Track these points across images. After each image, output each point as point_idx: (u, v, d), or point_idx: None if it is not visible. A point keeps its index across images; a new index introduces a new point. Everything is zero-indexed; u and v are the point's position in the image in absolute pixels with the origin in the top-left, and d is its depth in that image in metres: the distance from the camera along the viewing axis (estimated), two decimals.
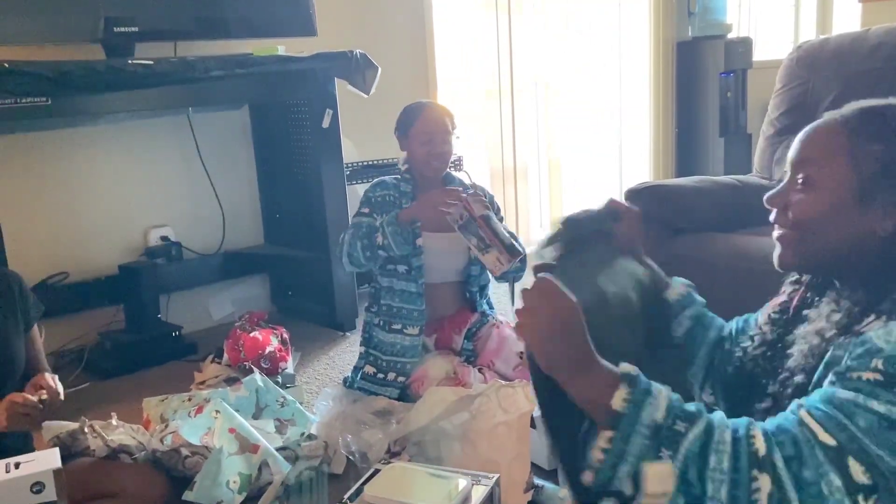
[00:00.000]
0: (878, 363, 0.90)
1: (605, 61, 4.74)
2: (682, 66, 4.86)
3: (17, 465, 1.49)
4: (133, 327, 2.88)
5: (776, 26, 5.55)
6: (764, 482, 0.87)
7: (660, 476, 0.89)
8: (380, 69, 2.93)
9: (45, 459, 1.52)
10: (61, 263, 2.82)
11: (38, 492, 1.47)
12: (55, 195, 2.86)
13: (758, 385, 1.14)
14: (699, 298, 1.34)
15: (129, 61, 2.46)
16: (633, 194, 2.29)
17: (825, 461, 0.87)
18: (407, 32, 3.73)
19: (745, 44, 4.76)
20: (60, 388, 1.76)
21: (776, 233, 1.10)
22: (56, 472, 1.48)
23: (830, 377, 0.94)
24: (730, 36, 4.78)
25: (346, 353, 2.88)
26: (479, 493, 1.54)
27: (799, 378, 1.03)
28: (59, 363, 2.74)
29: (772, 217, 1.11)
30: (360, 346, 2.46)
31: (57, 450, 1.57)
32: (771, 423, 0.93)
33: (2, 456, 1.50)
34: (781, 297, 1.20)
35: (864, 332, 0.95)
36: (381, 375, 2.35)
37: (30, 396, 1.67)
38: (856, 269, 1.03)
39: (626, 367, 0.95)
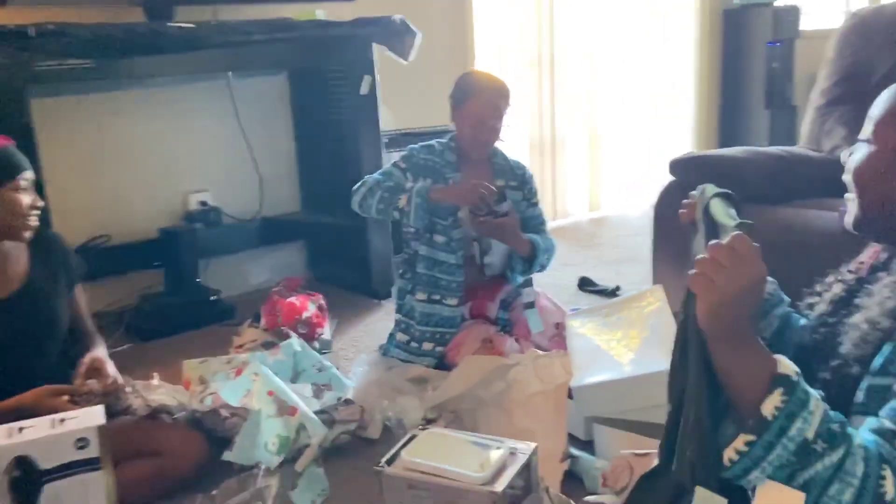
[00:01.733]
0: None
1: (650, 30, 4.63)
2: (729, 34, 4.73)
3: (62, 421, 1.52)
4: (172, 291, 2.91)
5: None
6: None
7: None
8: (420, 35, 2.89)
9: (90, 416, 1.55)
10: (103, 226, 2.85)
11: (82, 448, 1.50)
12: (97, 159, 2.89)
13: (819, 359, 1.10)
14: (785, 297, 1.28)
15: (169, 24, 2.46)
16: (677, 164, 2.24)
17: None
18: None
19: (793, 12, 4.61)
20: (117, 374, 1.81)
21: (847, 193, 1.10)
22: (100, 429, 1.51)
23: None
24: (777, 3, 4.64)
25: (382, 320, 2.89)
26: (516, 462, 1.53)
27: (855, 370, 1.00)
28: (99, 324, 2.73)
29: (845, 176, 1.09)
30: (396, 312, 2.47)
31: (101, 407, 1.60)
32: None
33: None
34: (860, 257, 1.17)
35: None
36: (415, 345, 2.35)
37: (62, 402, 1.68)
38: None
39: (786, 366, 0.88)
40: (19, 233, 1.74)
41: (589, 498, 1.66)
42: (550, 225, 4.24)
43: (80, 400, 1.70)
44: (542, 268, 2.41)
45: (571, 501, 1.61)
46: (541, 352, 2.00)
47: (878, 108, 1.05)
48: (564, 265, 3.52)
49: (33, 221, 1.76)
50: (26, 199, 1.73)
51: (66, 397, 1.69)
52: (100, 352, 1.87)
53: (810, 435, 0.84)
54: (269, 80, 3.28)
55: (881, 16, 2.40)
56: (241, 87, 3.14)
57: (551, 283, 3.21)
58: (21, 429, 1.49)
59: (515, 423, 1.86)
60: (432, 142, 2.42)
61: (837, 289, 1.14)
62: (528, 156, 4.14)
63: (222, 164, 3.19)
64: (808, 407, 0.85)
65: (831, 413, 0.88)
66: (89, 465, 1.50)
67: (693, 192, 1.18)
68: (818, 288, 1.19)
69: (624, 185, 4.63)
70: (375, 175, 2.36)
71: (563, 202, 4.38)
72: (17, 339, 1.77)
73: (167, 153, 3.05)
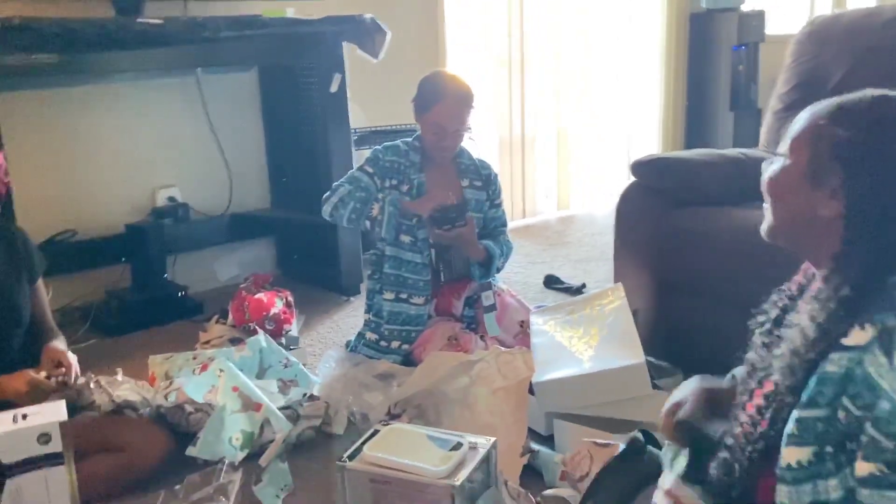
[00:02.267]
0: None
1: (618, 32, 4.69)
2: (695, 38, 4.81)
3: (24, 417, 1.53)
4: (139, 286, 2.91)
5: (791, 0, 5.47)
6: None
7: None
8: (389, 34, 2.91)
9: (52, 411, 1.56)
10: (69, 221, 2.84)
11: (45, 442, 1.51)
12: (64, 153, 2.88)
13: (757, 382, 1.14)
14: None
15: (138, 20, 2.46)
16: (638, 166, 2.28)
17: None
18: None
19: (759, 17, 4.71)
20: (76, 367, 1.82)
21: (764, 203, 1.14)
22: (62, 425, 1.52)
23: (880, 467, 0.89)
24: (743, 8, 4.73)
25: (350, 317, 2.91)
26: (475, 456, 1.56)
27: (788, 398, 1.03)
28: (65, 320, 2.76)
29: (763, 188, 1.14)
30: (364, 313, 2.49)
31: (63, 402, 1.61)
32: None
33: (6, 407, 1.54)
34: (791, 283, 1.21)
35: (851, 346, 0.94)
36: (383, 343, 2.38)
37: (45, 380, 1.72)
38: (819, 252, 1.04)
39: None
40: None
41: (547, 492, 1.70)
42: (520, 223, 4.33)
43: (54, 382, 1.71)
44: (498, 270, 2.46)
45: (530, 495, 1.65)
46: (504, 348, 2.04)
47: (796, 125, 1.08)
48: (532, 263, 3.57)
49: None
50: None
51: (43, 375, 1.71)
52: (59, 344, 1.87)
53: None
54: (239, 77, 3.28)
55: (837, 24, 2.47)
56: (211, 84, 3.14)
57: (518, 281, 3.26)
58: None
59: (478, 419, 1.90)
60: (397, 142, 2.45)
61: (773, 313, 1.18)
62: (497, 154, 4.17)
63: (191, 160, 3.19)
64: None
65: None
66: (52, 459, 1.51)
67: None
68: (764, 307, 1.23)
69: (592, 184, 4.69)
70: (344, 182, 2.38)
71: (532, 201, 4.43)
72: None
73: (135, 149, 3.04)
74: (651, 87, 4.82)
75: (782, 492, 0.98)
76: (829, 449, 0.94)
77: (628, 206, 2.31)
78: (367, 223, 2.31)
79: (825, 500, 0.94)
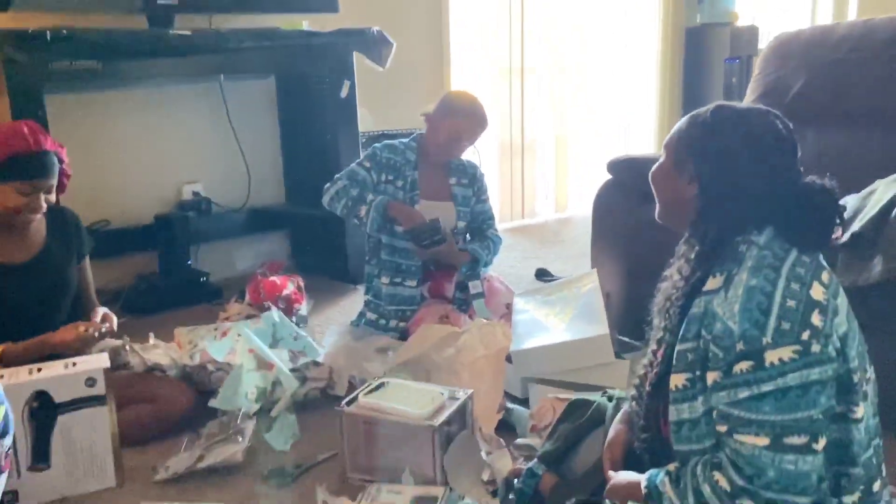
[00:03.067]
0: (740, 347, 1.11)
1: (616, 43, 4.96)
2: (690, 50, 5.07)
3: (73, 364, 1.83)
4: (166, 272, 3.21)
5: (793, 16, 5.69)
6: (747, 503, 1.10)
7: None
8: (395, 45, 3.20)
9: (97, 360, 1.85)
10: (104, 212, 3.14)
11: (91, 386, 1.80)
12: (101, 151, 3.19)
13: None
14: None
15: (170, 31, 2.75)
16: (613, 165, 2.56)
17: (773, 454, 1.09)
18: (424, 10, 3.99)
19: (751, 31, 4.96)
20: (115, 321, 2.11)
21: None
22: (106, 371, 1.81)
23: (718, 375, 1.14)
24: (738, 23, 4.98)
25: (356, 303, 3.17)
26: (454, 404, 1.83)
27: (669, 338, 1.28)
28: (99, 300, 3.05)
29: None
30: (364, 294, 2.77)
31: (106, 354, 1.90)
32: (719, 459, 1.15)
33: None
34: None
35: (708, 290, 1.19)
36: (382, 321, 2.65)
37: (88, 331, 2.00)
38: (685, 223, 1.29)
39: (643, 488, 1.25)
40: (12, 220, 1.99)
41: (518, 440, 1.96)
42: (518, 223, 4.60)
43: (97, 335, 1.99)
44: (487, 265, 2.71)
45: (501, 440, 1.91)
46: (486, 321, 2.31)
47: (674, 128, 1.32)
48: (526, 258, 3.84)
49: (22, 218, 1.99)
50: (16, 201, 1.95)
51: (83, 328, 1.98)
52: (108, 311, 2.16)
53: (676, 502, 1.18)
54: (258, 84, 3.58)
55: (797, 40, 2.73)
56: (233, 90, 3.44)
57: (512, 274, 3.52)
58: (39, 369, 1.79)
59: (462, 383, 2.16)
60: (395, 141, 2.73)
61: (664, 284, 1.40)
62: (497, 158, 4.45)
63: (214, 159, 3.49)
64: (662, 497, 1.20)
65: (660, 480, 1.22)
66: (96, 401, 1.81)
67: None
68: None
69: (589, 188, 4.94)
70: (343, 177, 2.65)
71: (531, 203, 4.70)
72: (34, 301, 2.05)
73: (164, 147, 3.35)
74: (647, 97, 5.08)
75: (671, 411, 1.24)
76: (697, 373, 1.19)
77: (604, 201, 2.57)
78: (356, 221, 2.61)
79: (696, 416, 1.20)
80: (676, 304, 1.26)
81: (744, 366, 1.12)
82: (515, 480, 1.68)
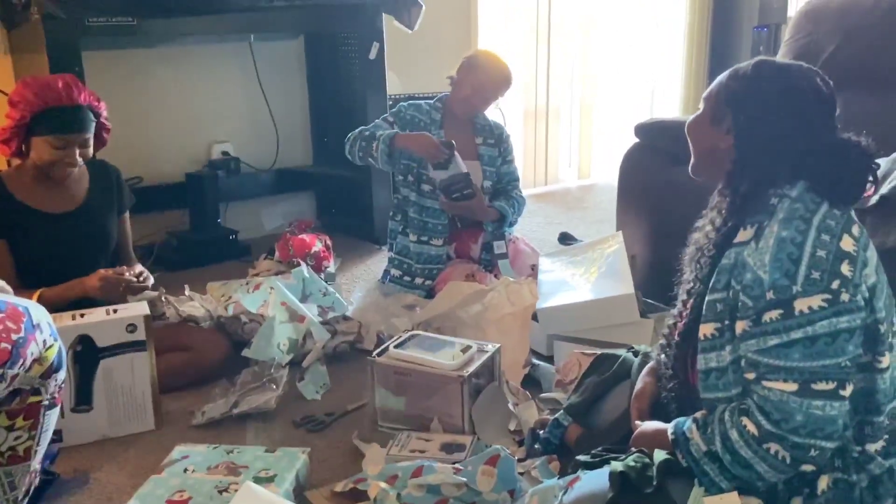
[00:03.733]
0: (770, 296, 1.14)
1: (644, 10, 4.92)
2: (718, 18, 5.02)
3: (115, 311, 1.89)
4: (196, 229, 3.27)
5: None
6: (775, 446, 1.14)
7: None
8: (424, 7, 3.20)
9: (137, 308, 1.91)
10: (136, 169, 3.19)
11: (132, 332, 1.86)
12: (134, 108, 3.24)
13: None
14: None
15: None
16: (640, 128, 2.57)
17: (801, 399, 1.12)
18: None
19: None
20: (151, 280, 2.15)
21: None
22: (146, 318, 1.87)
23: (747, 324, 1.17)
24: None
25: (381, 262, 3.22)
26: (482, 356, 1.88)
27: (698, 287, 1.31)
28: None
29: None
30: (388, 251, 2.81)
31: (145, 303, 1.96)
32: (746, 405, 1.18)
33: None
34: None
35: (739, 242, 1.22)
36: (408, 279, 2.70)
37: (114, 275, 2.04)
38: (719, 175, 1.31)
39: (669, 431, 1.28)
40: (49, 172, 2.04)
41: (543, 394, 2.01)
42: (541, 189, 4.61)
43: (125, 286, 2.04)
44: (512, 225, 2.74)
45: (528, 393, 1.96)
46: (513, 279, 2.35)
47: (715, 80, 1.34)
48: (549, 224, 3.86)
49: (57, 171, 2.04)
50: (51, 154, 1.99)
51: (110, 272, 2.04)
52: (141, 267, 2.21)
53: (704, 448, 1.21)
54: (287, 44, 3.61)
55: (830, 4, 2.70)
56: (262, 50, 3.47)
57: (536, 238, 3.55)
58: (83, 314, 1.86)
59: (488, 339, 2.20)
60: (420, 101, 2.75)
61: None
62: (522, 123, 4.46)
63: (243, 119, 3.53)
64: (689, 443, 1.23)
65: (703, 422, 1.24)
66: (137, 346, 1.87)
67: None
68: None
69: (613, 155, 4.94)
70: (363, 128, 2.67)
71: (554, 169, 4.71)
72: (75, 251, 2.10)
73: (195, 106, 3.40)
74: (673, 65, 5.05)
75: (699, 360, 1.27)
76: (727, 322, 1.22)
77: (630, 163, 2.59)
78: (371, 160, 2.62)
79: (724, 365, 1.23)
80: (707, 255, 1.29)
81: (773, 314, 1.15)
82: (541, 431, 1.73)
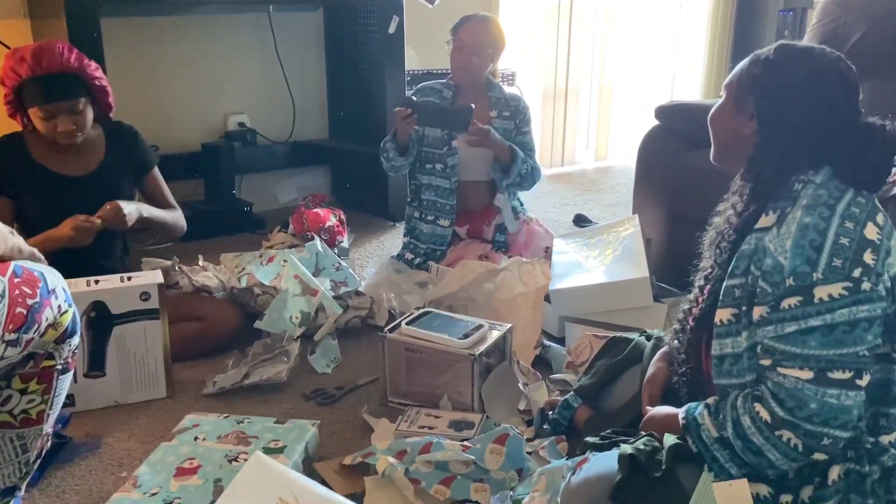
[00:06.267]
0: (790, 282, 1.12)
1: None
2: (743, 0, 4.94)
3: (129, 278, 1.90)
4: (211, 199, 3.28)
5: None
6: (788, 433, 1.13)
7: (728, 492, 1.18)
8: None
9: (152, 276, 1.92)
10: (153, 137, 3.13)
11: (146, 300, 1.87)
12: (152, 76, 3.23)
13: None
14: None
15: None
16: (661, 110, 2.54)
17: (816, 388, 1.11)
18: None
19: None
20: (130, 216, 2.06)
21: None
22: (160, 286, 1.88)
23: (765, 310, 1.15)
24: None
25: (395, 239, 3.23)
26: (493, 336, 1.87)
27: (716, 272, 1.30)
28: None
29: None
30: (404, 235, 2.81)
31: (160, 271, 1.96)
32: (760, 392, 1.17)
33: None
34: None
35: (760, 228, 1.20)
36: (418, 260, 2.69)
37: (87, 220, 2.00)
38: (741, 162, 1.29)
39: (681, 416, 1.27)
40: (55, 142, 2.04)
41: (554, 376, 2.01)
42: (558, 171, 4.59)
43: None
44: (521, 177, 2.64)
45: (539, 373, 1.96)
46: (525, 259, 2.34)
47: (735, 68, 1.32)
48: (565, 205, 3.84)
49: (60, 139, 2.02)
50: (42, 125, 1.99)
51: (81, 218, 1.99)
52: (126, 203, 2.09)
53: (715, 434, 1.20)
54: (306, 16, 3.58)
55: None
56: (281, 21, 3.45)
57: (550, 219, 3.54)
58: (97, 281, 1.87)
59: (500, 319, 2.19)
60: (430, 82, 2.73)
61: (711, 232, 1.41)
62: (540, 104, 4.42)
63: (260, 90, 3.52)
64: (700, 428, 1.22)
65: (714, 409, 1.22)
66: (150, 314, 1.88)
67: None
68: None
69: (630, 138, 4.90)
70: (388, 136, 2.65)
71: (571, 150, 4.68)
72: (90, 214, 2.09)
73: (212, 76, 3.38)
74: (697, 47, 4.98)
75: (714, 345, 1.26)
76: (744, 308, 1.21)
77: (650, 147, 2.56)
78: (397, 167, 2.64)
79: (739, 351, 1.22)
80: (728, 240, 1.27)
81: (792, 301, 1.13)
82: (551, 412, 1.73)
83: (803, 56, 1.24)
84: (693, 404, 1.28)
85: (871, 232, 1.15)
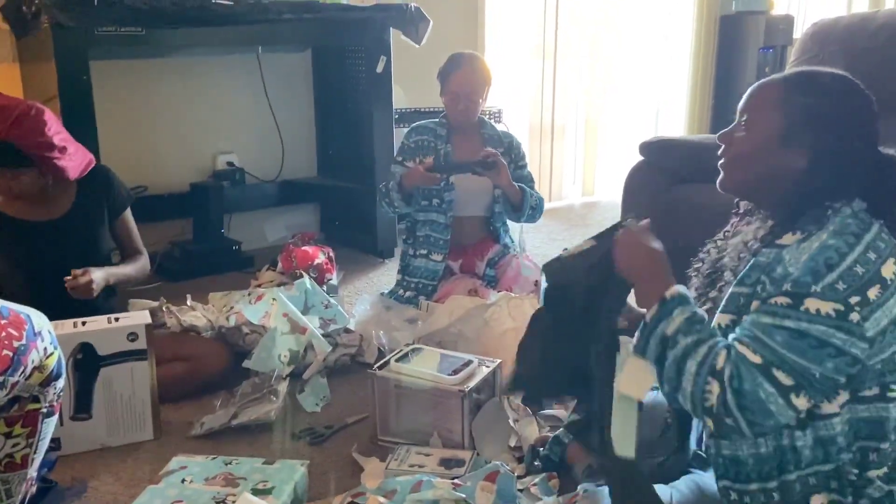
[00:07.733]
0: (787, 287, 1.14)
1: (650, 30, 4.94)
2: (724, 39, 5.03)
3: (116, 319, 1.89)
4: (199, 239, 3.27)
5: (829, 6, 5.63)
6: (714, 388, 1.14)
7: (637, 366, 1.22)
8: (431, 22, 3.22)
9: (138, 317, 1.91)
10: (141, 178, 3.20)
11: (133, 340, 1.86)
12: (140, 117, 3.25)
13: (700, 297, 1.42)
14: None
15: (213, 0, 2.80)
16: (645, 146, 2.57)
17: (757, 374, 1.13)
18: None
19: (787, 21, 4.90)
20: (97, 286, 2.06)
21: (720, 162, 1.37)
22: (147, 327, 1.87)
23: (757, 304, 1.18)
24: (773, 12, 4.93)
25: (384, 275, 3.23)
26: (483, 372, 1.87)
27: (728, 276, 1.32)
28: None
29: (720, 151, 1.38)
30: (398, 273, 2.81)
31: (147, 311, 1.96)
32: (723, 349, 1.17)
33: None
34: (726, 228, 1.48)
35: (782, 244, 1.21)
36: (408, 294, 2.69)
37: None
38: (774, 195, 1.30)
39: (671, 291, 1.22)
40: None
41: (544, 411, 2.00)
42: (545, 206, 4.56)
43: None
44: (533, 209, 2.68)
45: (529, 409, 1.95)
46: (514, 294, 2.34)
47: (756, 96, 1.31)
48: (553, 240, 3.86)
49: (7, 197, 2.02)
50: None
51: None
52: (98, 271, 2.09)
53: (669, 332, 1.19)
54: (295, 57, 3.63)
55: (836, 26, 2.72)
56: (270, 62, 3.49)
57: (539, 254, 3.54)
58: (84, 322, 1.85)
59: (489, 355, 2.19)
60: (422, 122, 2.77)
61: (712, 254, 1.43)
62: (527, 141, 4.46)
63: (249, 130, 3.55)
64: (672, 314, 1.20)
65: (696, 319, 1.20)
66: (137, 355, 1.87)
67: None
68: (700, 255, 1.48)
69: (617, 173, 4.95)
70: (387, 182, 2.68)
71: (558, 186, 4.71)
72: (63, 259, 2.08)
73: (201, 117, 3.41)
74: (679, 84, 5.06)
75: None
76: (743, 317, 1.21)
77: (634, 181, 2.59)
78: (400, 211, 2.69)
79: None
80: (751, 249, 1.28)
81: (782, 300, 1.15)
82: (542, 448, 1.72)
83: (851, 85, 1.25)
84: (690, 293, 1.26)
85: (888, 270, 1.16)
